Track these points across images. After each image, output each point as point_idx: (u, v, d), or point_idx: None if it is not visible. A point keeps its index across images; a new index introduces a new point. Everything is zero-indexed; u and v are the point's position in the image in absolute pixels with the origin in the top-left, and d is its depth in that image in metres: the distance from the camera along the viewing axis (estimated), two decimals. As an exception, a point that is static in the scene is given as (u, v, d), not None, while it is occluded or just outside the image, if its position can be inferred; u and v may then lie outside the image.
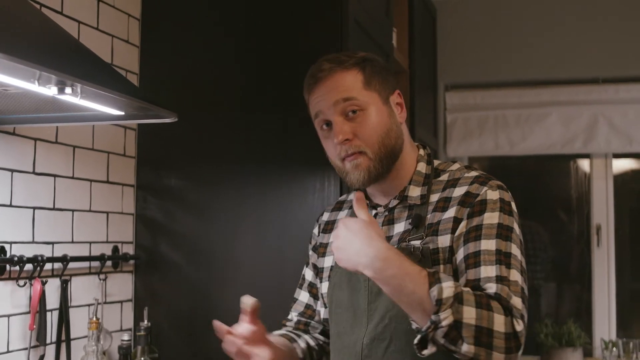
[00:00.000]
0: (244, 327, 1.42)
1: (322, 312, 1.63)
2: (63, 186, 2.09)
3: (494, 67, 3.72)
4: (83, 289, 2.16)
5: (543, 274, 3.81)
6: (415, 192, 1.48)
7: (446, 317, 1.22)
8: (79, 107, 1.57)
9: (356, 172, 1.45)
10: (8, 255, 1.88)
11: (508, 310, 1.27)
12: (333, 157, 1.49)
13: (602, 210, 3.67)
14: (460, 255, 1.38)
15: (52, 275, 2.03)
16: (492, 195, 1.41)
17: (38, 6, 1.96)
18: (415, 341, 1.26)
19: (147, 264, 2.39)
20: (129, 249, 2.38)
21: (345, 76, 1.45)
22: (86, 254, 2.18)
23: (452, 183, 1.46)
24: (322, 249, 1.62)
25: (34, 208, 1.99)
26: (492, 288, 1.30)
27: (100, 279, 2.22)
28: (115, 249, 2.31)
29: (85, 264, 2.18)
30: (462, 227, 1.39)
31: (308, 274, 1.67)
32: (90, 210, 2.20)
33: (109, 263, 2.26)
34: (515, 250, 1.36)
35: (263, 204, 2.28)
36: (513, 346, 1.25)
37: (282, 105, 2.28)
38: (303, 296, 1.67)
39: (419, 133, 3.11)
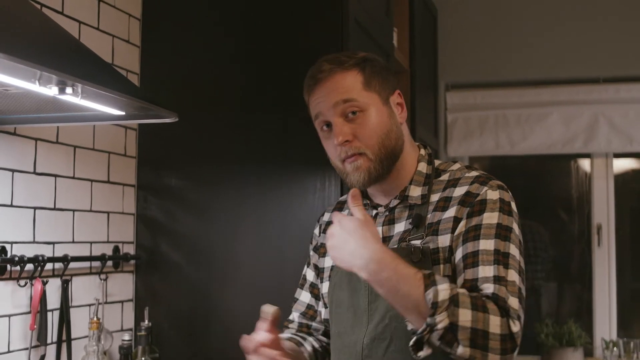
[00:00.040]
0: (262, 335, 1.40)
1: (323, 313, 1.63)
2: (64, 186, 2.09)
3: (495, 67, 3.72)
4: (84, 289, 2.17)
5: (544, 274, 3.81)
6: (415, 192, 1.48)
7: (442, 320, 1.22)
8: (80, 107, 1.57)
9: (356, 174, 1.45)
10: (9, 255, 1.88)
11: (504, 311, 1.27)
12: (333, 158, 1.49)
13: (603, 210, 3.67)
14: (458, 254, 1.38)
15: (53, 275, 2.03)
16: (492, 195, 1.41)
17: (39, 6, 1.96)
18: (411, 343, 1.26)
19: (147, 264, 2.39)
20: (130, 249, 2.38)
21: (345, 77, 1.45)
22: (87, 254, 2.18)
23: (453, 183, 1.46)
24: (322, 249, 1.62)
25: (35, 208, 1.99)
26: (489, 288, 1.30)
27: (101, 279, 2.23)
28: (116, 249, 2.31)
29: (86, 264, 2.18)
30: (461, 226, 1.39)
31: (309, 274, 1.67)
32: (91, 210, 2.20)
33: (109, 263, 2.26)
34: (513, 250, 1.36)
35: (263, 204, 2.28)
36: (509, 347, 1.25)
37: (282, 105, 2.28)
38: (304, 296, 1.67)
39: (419, 133, 3.11)
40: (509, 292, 1.30)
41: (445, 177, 1.49)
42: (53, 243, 2.05)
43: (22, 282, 1.91)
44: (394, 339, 1.40)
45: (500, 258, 1.34)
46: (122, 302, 2.35)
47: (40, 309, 1.93)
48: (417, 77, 3.21)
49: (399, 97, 1.52)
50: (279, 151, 2.28)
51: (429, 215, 1.45)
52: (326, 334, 1.64)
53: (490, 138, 3.73)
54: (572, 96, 3.64)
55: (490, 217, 1.38)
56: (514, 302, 1.29)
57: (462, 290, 1.27)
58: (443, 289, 1.23)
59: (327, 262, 1.59)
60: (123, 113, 1.68)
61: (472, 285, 1.32)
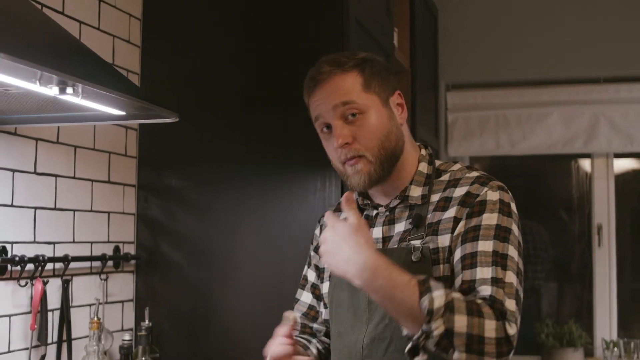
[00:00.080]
0: (281, 341, 1.41)
1: (324, 313, 1.63)
2: (64, 186, 2.09)
3: (495, 67, 3.72)
4: (84, 288, 2.17)
5: (544, 274, 3.81)
6: (416, 192, 1.48)
7: (438, 327, 1.22)
8: (80, 107, 1.57)
9: (357, 177, 1.45)
10: (9, 255, 1.88)
11: (501, 314, 1.27)
12: (334, 160, 1.49)
13: (603, 210, 3.67)
14: (457, 255, 1.38)
15: (54, 275, 2.03)
16: (492, 196, 1.41)
17: (39, 6, 1.96)
18: (407, 349, 1.26)
19: (148, 264, 2.39)
20: (130, 249, 2.38)
21: (345, 79, 1.45)
22: (87, 254, 2.19)
23: (453, 183, 1.46)
24: (323, 249, 1.62)
25: (35, 208, 1.99)
26: (486, 290, 1.30)
27: (101, 279, 2.23)
28: (117, 249, 2.32)
29: (87, 263, 2.18)
30: (460, 226, 1.39)
31: (310, 274, 1.67)
32: (91, 210, 2.20)
33: (110, 263, 2.26)
34: (512, 251, 1.36)
35: (263, 204, 2.28)
36: (504, 350, 1.25)
37: (282, 105, 2.28)
38: (305, 297, 1.67)
39: (420, 133, 3.11)
40: (506, 294, 1.30)
41: (445, 177, 1.49)
42: (53, 243, 2.05)
43: (22, 282, 1.91)
44: (394, 339, 1.40)
45: (499, 259, 1.34)
46: (122, 302, 2.35)
47: (40, 309, 1.94)
48: (418, 77, 3.21)
49: (399, 98, 1.52)
50: (279, 151, 2.28)
51: (429, 215, 1.45)
52: (328, 335, 1.64)
53: (490, 138, 3.73)
54: (572, 96, 3.64)
55: (490, 218, 1.38)
56: (510, 305, 1.29)
57: (457, 296, 1.26)
58: (438, 296, 1.23)
59: (327, 262, 1.59)
60: (123, 113, 1.69)
61: (470, 287, 1.32)
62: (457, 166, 1.51)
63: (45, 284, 1.95)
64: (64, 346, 2.05)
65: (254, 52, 2.34)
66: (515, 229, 1.40)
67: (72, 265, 2.05)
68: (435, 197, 1.46)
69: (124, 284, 2.35)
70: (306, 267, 1.69)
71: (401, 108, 1.51)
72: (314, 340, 1.63)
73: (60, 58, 1.41)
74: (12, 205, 1.91)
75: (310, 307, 1.66)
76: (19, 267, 1.88)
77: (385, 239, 1.49)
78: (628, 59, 3.58)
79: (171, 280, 2.37)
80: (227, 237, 2.32)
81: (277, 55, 2.31)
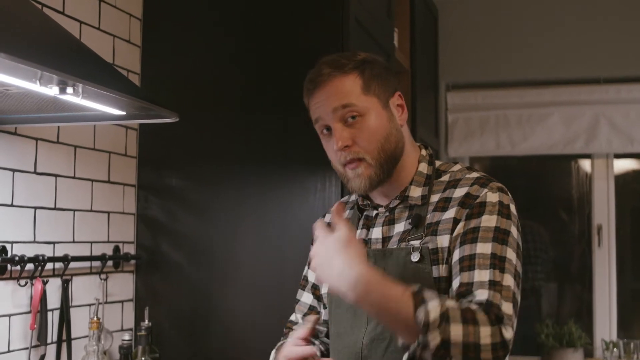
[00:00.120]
0: (297, 343, 1.41)
1: (324, 314, 1.63)
2: (64, 186, 2.09)
3: (496, 67, 3.72)
4: (84, 288, 2.17)
5: (544, 274, 3.81)
6: (416, 192, 1.48)
7: (434, 338, 1.22)
8: (81, 107, 1.57)
9: (357, 180, 1.45)
10: (9, 254, 1.88)
11: (497, 319, 1.27)
12: (334, 162, 1.49)
13: (603, 211, 3.67)
14: (455, 256, 1.38)
15: (53, 275, 2.03)
16: (492, 197, 1.41)
17: (39, 6, 1.96)
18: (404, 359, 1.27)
19: (148, 264, 2.39)
20: (130, 249, 2.38)
21: (344, 81, 1.44)
22: (87, 253, 2.19)
23: (453, 184, 1.46)
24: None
25: (35, 208, 1.99)
26: (483, 295, 1.30)
27: (101, 279, 2.23)
28: (116, 249, 2.32)
29: (86, 263, 2.18)
30: (459, 228, 1.39)
31: (310, 275, 1.67)
32: (91, 210, 2.20)
33: (110, 263, 2.26)
34: (510, 254, 1.37)
35: (263, 204, 2.28)
36: (500, 355, 1.26)
37: (282, 105, 2.28)
38: (306, 297, 1.67)
39: (420, 133, 3.11)
40: (503, 297, 1.31)
41: (445, 177, 1.49)
42: (53, 243, 2.05)
43: (22, 282, 1.91)
44: (394, 339, 1.40)
45: (497, 262, 1.34)
46: (122, 302, 2.35)
47: (40, 309, 1.94)
48: (418, 77, 3.21)
49: (399, 99, 1.51)
50: (279, 151, 2.28)
51: (428, 216, 1.45)
52: (328, 336, 1.64)
53: (491, 138, 3.73)
54: (572, 97, 3.64)
55: (489, 220, 1.38)
56: (507, 308, 1.30)
57: (451, 304, 1.26)
58: (433, 308, 1.24)
59: (328, 263, 1.59)
60: (124, 113, 1.69)
61: (468, 290, 1.32)
62: (457, 167, 1.51)
63: (45, 283, 1.95)
64: (64, 346, 2.05)
65: (254, 52, 2.34)
66: (514, 231, 1.40)
67: (72, 265, 2.05)
68: (435, 198, 1.46)
69: (123, 284, 2.35)
70: (306, 267, 1.69)
71: (401, 109, 1.51)
72: (316, 342, 1.63)
73: (60, 58, 1.41)
74: (12, 205, 1.91)
75: (311, 307, 1.65)
76: (18, 267, 1.88)
77: (385, 239, 1.49)
78: (628, 60, 3.58)
79: (171, 280, 2.37)
80: (227, 237, 2.32)
81: (277, 55, 2.31)
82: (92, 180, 2.21)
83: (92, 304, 2.16)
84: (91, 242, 2.20)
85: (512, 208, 1.42)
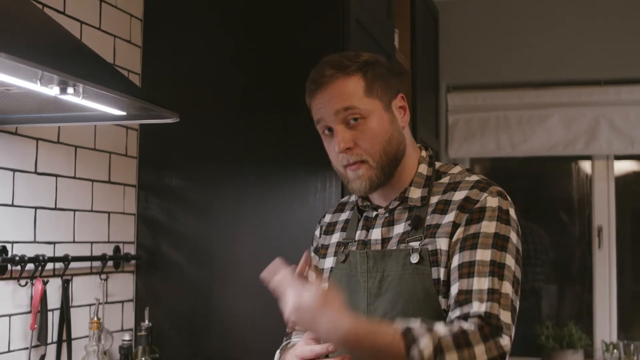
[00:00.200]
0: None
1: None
2: (65, 186, 2.09)
3: (496, 68, 3.72)
4: (84, 288, 2.17)
5: (544, 276, 3.81)
6: (415, 193, 1.48)
7: None
8: (81, 107, 1.58)
9: (358, 182, 1.45)
10: (9, 254, 1.88)
11: (492, 332, 1.28)
12: (335, 163, 1.49)
13: (604, 212, 3.67)
14: (455, 262, 1.38)
15: (54, 275, 2.03)
16: (491, 202, 1.41)
17: (40, 6, 1.97)
18: None
19: (148, 264, 2.39)
20: (130, 249, 2.39)
21: (347, 83, 1.44)
22: (87, 253, 2.19)
23: (453, 186, 1.46)
24: (323, 250, 1.62)
25: (36, 208, 1.99)
26: (481, 307, 1.31)
27: (101, 279, 2.23)
28: (117, 249, 2.32)
29: (87, 263, 2.18)
30: (459, 233, 1.40)
31: (311, 275, 1.67)
32: (91, 210, 2.21)
33: (110, 263, 2.26)
34: (509, 260, 1.37)
35: (263, 204, 2.29)
36: None
37: (283, 105, 2.28)
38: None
39: (420, 134, 3.11)
40: (501, 306, 1.32)
41: (445, 179, 1.49)
42: (54, 243, 2.05)
43: (22, 282, 1.91)
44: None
45: (496, 269, 1.35)
46: (122, 302, 2.35)
47: (40, 309, 1.94)
48: (418, 78, 3.21)
49: (401, 101, 1.51)
50: (280, 151, 2.29)
51: (428, 217, 1.45)
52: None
53: (491, 139, 3.73)
54: (573, 98, 3.64)
55: (488, 226, 1.38)
56: (505, 317, 1.32)
57: (441, 333, 1.27)
58: (425, 345, 1.25)
59: (327, 264, 1.59)
60: (124, 113, 1.69)
61: (467, 299, 1.33)
62: (457, 169, 1.51)
63: (45, 283, 1.95)
64: (64, 346, 2.05)
65: (254, 52, 2.34)
66: (513, 236, 1.40)
67: (72, 265, 2.05)
68: (434, 199, 1.46)
69: (124, 284, 2.36)
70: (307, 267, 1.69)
71: (403, 111, 1.51)
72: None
73: (61, 58, 1.42)
74: (12, 205, 1.91)
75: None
76: (19, 267, 1.88)
77: (385, 241, 1.49)
78: (629, 61, 3.58)
79: (171, 280, 2.37)
80: (227, 237, 2.32)
81: (277, 55, 2.31)
82: (93, 181, 2.21)
83: (93, 304, 2.16)
84: (91, 242, 2.21)
85: (512, 212, 1.42)
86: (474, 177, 1.47)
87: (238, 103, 2.37)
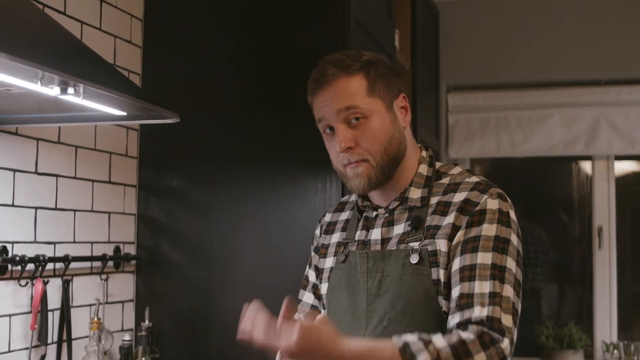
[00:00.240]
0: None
1: (324, 314, 1.63)
2: (65, 186, 2.09)
3: (496, 69, 3.72)
4: (84, 289, 2.17)
5: (544, 276, 3.81)
6: (415, 194, 1.48)
7: None
8: (82, 107, 1.58)
9: (357, 180, 1.45)
10: (10, 255, 1.88)
11: (492, 340, 1.28)
12: (336, 162, 1.49)
13: (604, 212, 3.66)
14: (456, 265, 1.38)
15: (54, 275, 2.03)
16: (492, 205, 1.41)
17: (41, 6, 1.97)
18: None
19: (148, 264, 2.39)
20: (131, 249, 2.39)
21: (349, 83, 1.44)
22: (88, 254, 2.19)
23: (453, 187, 1.46)
24: (323, 250, 1.62)
25: (36, 208, 1.99)
26: (483, 312, 1.31)
27: (101, 279, 2.23)
28: (117, 249, 2.32)
29: (87, 264, 2.18)
30: (459, 235, 1.40)
31: (311, 275, 1.67)
32: (92, 211, 2.21)
33: (110, 263, 2.26)
34: (510, 263, 1.37)
35: (264, 205, 2.29)
36: None
37: (283, 105, 2.28)
38: (307, 297, 1.67)
39: (420, 134, 3.11)
40: (503, 310, 1.32)
41: (445, 180, 1.49)
42: (54, 243, 2.05)
43: (23, 282, 1.91)
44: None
45: (497, 272, 1.35)
46: (122, 302, 2.35)
47: (40, 309, 1.94)
48: (419, 78, 3.21)
49: (403, 101, 1.51)
50: (280, 152, 2.29)
51: (428, 218, 1.45)
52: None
53: (491, 140, 3.73)
54: (573, 98, 3.64)
55: (489, 229, 1.38)
56: (507, 321, 1.32)
57: (440, 345, 1.27)
58: None
59: (327, 263, 1.59)
60: (125, 113, 1.69)
61: (468, 303, 1.33)
62: (457, 169, 1.51)
63: (45, 283, 1.95)
64: (64, 346, 2.05)
65: (254, 52, 2.34)
66: (514, 238, 1.40)
67: (73, 265, 2.05)
68: (434, 200, 1.46)
69: (124, 284, 2.36)
70: (307, 267, 1.69)
71: (405, 111, 1.51)
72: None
73: (61, 58, 1.42)
74: (12, 205, 1.91)
75: (313, 307, 1.65)
76: (19, 267, 1.88)
77: (384, 241, 1.49)
78: (629, 61, 3.57)
79: (171, 280, 2.37)
80: (227, 237, 2.32)
81: (277, 55, 2.31)
82: (93, 181, 2.21)
83: (93, 304, 2.16)
84: (92, 243, 2.21)
85: (512, 214, 1.42)
86: (474, 179, 1.46)
87: (238, 103, 2.37)
